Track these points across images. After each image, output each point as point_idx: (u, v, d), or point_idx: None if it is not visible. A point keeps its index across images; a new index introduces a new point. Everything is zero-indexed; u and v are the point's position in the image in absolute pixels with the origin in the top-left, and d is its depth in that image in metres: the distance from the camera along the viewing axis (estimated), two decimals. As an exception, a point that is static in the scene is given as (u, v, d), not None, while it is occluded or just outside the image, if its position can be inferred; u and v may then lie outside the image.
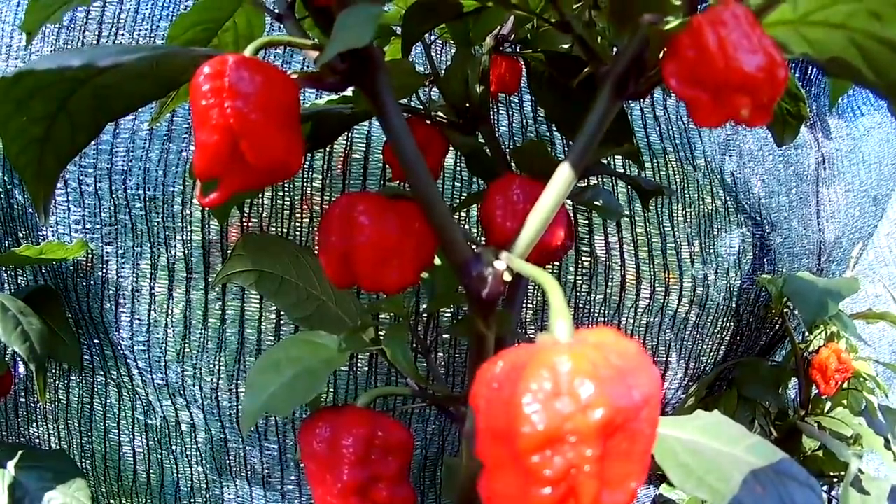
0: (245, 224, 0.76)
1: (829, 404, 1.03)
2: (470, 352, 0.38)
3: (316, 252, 0.75)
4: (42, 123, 0.36)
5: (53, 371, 0.83)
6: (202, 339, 0.76)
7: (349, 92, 0.52)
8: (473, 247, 0.34)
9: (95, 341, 0.80)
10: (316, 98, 0.71)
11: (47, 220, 0.51)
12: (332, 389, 0.76)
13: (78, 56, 0.30)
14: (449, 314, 0.79)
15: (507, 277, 0.32)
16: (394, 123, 0.33)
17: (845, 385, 1.00)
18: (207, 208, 0.74)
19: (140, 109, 0.44)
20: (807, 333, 1.01)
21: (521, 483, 0.23)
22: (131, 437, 0.83)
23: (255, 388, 0.41)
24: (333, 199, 0.75)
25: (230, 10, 0.53)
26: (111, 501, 0.85)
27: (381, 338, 0.45)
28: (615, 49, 0.43)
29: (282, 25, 0.40)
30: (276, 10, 0.40)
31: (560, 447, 0.22)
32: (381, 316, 0.72)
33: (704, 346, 0.95)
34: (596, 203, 0.52)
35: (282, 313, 0.76)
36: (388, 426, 0.40)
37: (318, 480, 0.40)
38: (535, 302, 0.82)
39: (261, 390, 0.41)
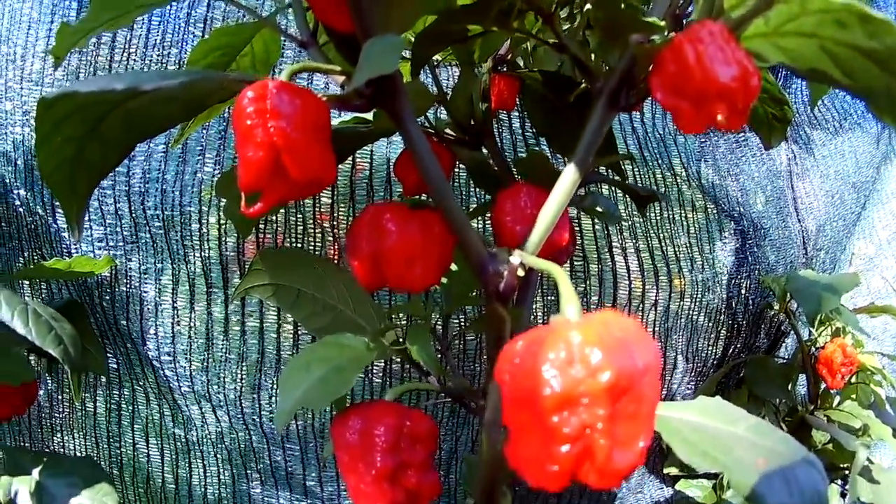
0: (261, 240, 0.79)
1: (837, 399, 1.06)
2: (488, 344, 0.42)
3: (334, 261, 0.79)
4: (75, 143, 0.37)
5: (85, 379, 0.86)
6: (225, 350, 0.79)
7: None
8: (488, 248, 0.38)
9: (122, 351, 0.83)
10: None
11: (80, 236, 0.54)
12: (348, 394, 0.80)
13: (120, 80, 0.33)
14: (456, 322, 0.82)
15: (521, 273, 0.36)
16: (416, 141, 0.37)
17: (853, 379, 1.02)
18: (225, 225, 0.78)
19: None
20: (813, 330, 1.04)
21: (543, 443, 0.27)
22: (159, 443, 0.86)
23: (287, 388, 0.43)
24: (341, 214, 0.80)
25: (248, 36, 0.55)
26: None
27: (404, 339, 0.49)
28: (605, 64, 0.47)
29: (304, 52, 0.44)
30: (300, 37, 0.44)
31: (576, 408, 0.26)
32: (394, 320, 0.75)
33: (700, 343, 0.98)
34: (597, 209, 0.56)
35: (300, 323, 0.79)
36: (416, 416, 0.43)
37: (350, 470, 0.43)
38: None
39: (294, 389, 0.43)
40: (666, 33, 0.38)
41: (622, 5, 0.41)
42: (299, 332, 0.80)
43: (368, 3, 0.36)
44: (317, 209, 0.79)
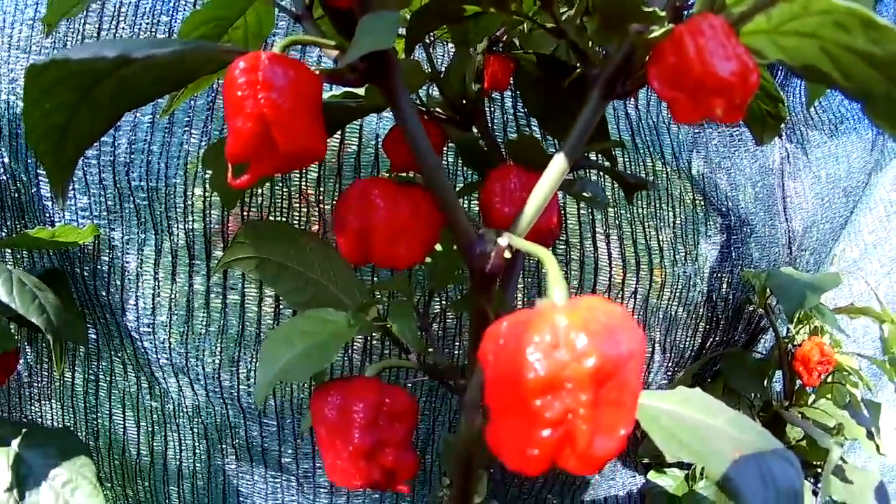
0: (245, 214, 0.79)
1: (812, 397, 1.06)
2: (472, 324, 0.42)
3: (318, 236, 0.78)
4: (64, 111, 0.37)
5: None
6: (205, 323, 0.79)
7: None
8: (476, 228, 0.38)
9: (101, 321, 0.82)
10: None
11: (65, 203, 0.53)
12: (328, 369, 0.79)
13: (112, 47, 0.32)
14: (437, 301, 0.82)
15: (508, 255, 0.36)
16: (408, 118, 0.37)
17: (829, 379, 1.03)
18: (210, 198, 0.77)
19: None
20: (791, 328, 1.04)
21: (524, 426, 0.27)
22: (135, 415, 0.85)
23: (268, 360, 0.43)
24: (328, 190, 0.79)
25: (242, 9, 0.54)
26: (115, 479, 0.88)
27: (385, 316, 0.49)
28: (602, 51, 0.47)
29: (299, 25, 0.44)
30: (294, 10, 0.44)
31: (559, 392, 0.26)
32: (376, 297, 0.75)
33: (679, 333, 0.99)
34: (584, 194, 0.56)
35: (281, 298, 0.79)
36: (395, 393, 0.44)
37: (328, 446, 0.43)
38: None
39: (274, 362, 0.43)
40: (666, 24, 0.38)
41: None
42: (280, 307, 0.80)
43: (367, -22, 0.36)
44: (303, 184, 0.79)
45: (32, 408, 0.90)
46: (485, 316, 0.40)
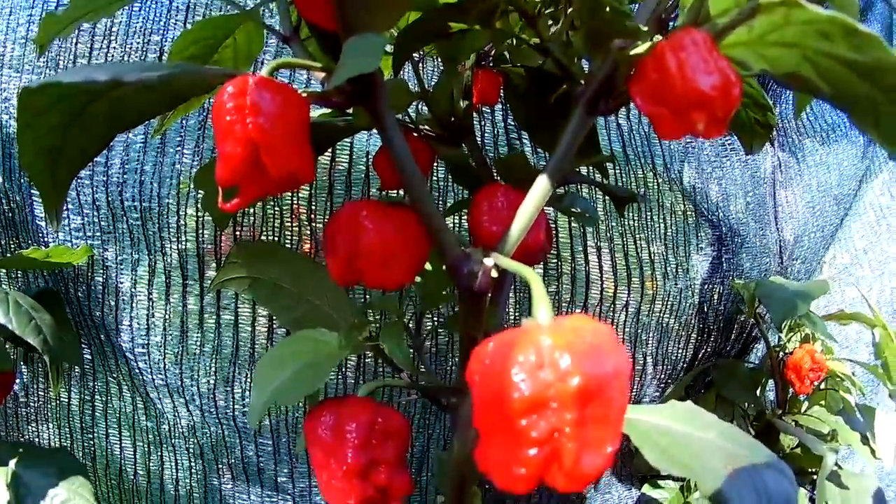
0: (238, 233, 0.79)
1: (805, 404, 1.06)
2: (461, 342, 0.42)
3: (309, 256, 0.79)
4: (57, 133, 0.37)
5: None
6: (199, 343, 0.79)
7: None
8: (463, 248, 0.38)
9: (96, 342, 0.82)
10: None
11: (59, 225, 0.54)
12: (321, 388, 0.80)
13: (103, 71, 0.32)
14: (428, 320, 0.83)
15: (494, 274, 0.36)
16: (393, 139, 0.37)
17: (822, 386, 1.03)
18: (203, 217, 0.77)
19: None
20: (783, 336, 1.05)
21: (512, 446, 0.27)
22: (132, 435, 0.85)
23: (261, 383, 0.43)
24: (319, 208, 0.80)
25: (231, 29, 0.55)
26: (112, 498, 0.88)
27: (378, 335, 0.49)
28: (585, 62, 0.48)
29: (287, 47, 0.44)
30: (282, 32, 0.44)
31: (544, 411, 0.26)
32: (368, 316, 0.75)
33: (671, 345, 0.99)
34: (574, 209, 0.56)
35: (274, 317, 0.79)
36: (387, 413, 0.44)
37: (322, 465, 0.43)
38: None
39: (267, 384, 0.43)
40: (650, 39, 0.38)
41: (607, 8, 0.41)
42: (274, 326, 0.80)
43: (352, 1, 0.36)
44: (295, 202, 0.79)
45: (29, 428, 0.90)
46: (474, 334, 0.40)
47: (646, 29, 0.39)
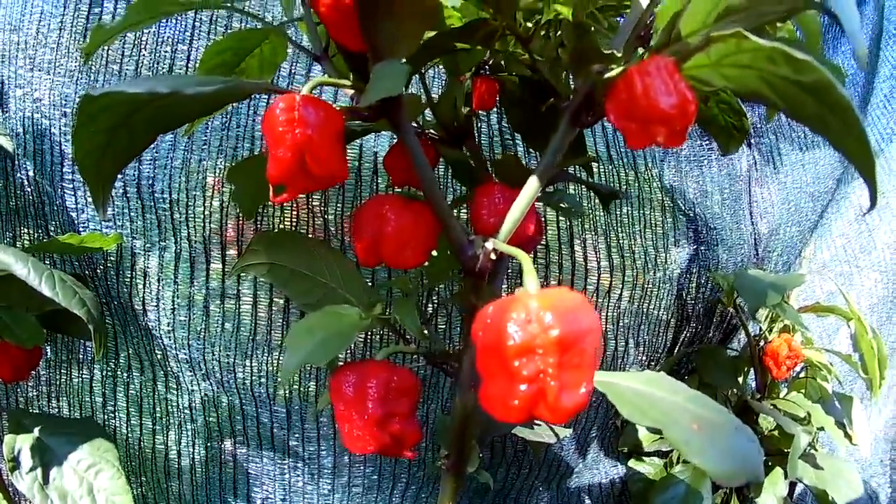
0: (258, 224, 0.86)
1: (785, 391, 1.12)
2: (464, 313, 0.50)
3: (324, 241, 0.86)
4: (106, 134, 0.42)
5: (81, 348, 0.93)
6: (220, 321, 0.87)
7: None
8: (468, 235, 0.47)
9: (119, 321, 0.89)
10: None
11: (105, 215, 0.59)
12: (337, 358, 0.86)
13: (165, 83, 0.39)
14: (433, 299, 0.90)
15: (493, 256, 0.45)
16: (412, 146, 0.46)
17: (802, 374, 1.09)
18: (230, 206, 0.85)
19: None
20: (763, 327, 1.09)
21: (507, 383, 0.35)
22: (152, 410, 0.93)
23: (294, 347, 0.50)
24: (330, 200, 0.87)
25: (258, 42, 0.61)
26: (131, 466, 0.95)
27: (390, 310, 0.57)
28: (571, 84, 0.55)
29: (318, 64, 0.52)
30: (314, 52, 0.52)
31: (532, 356, 0.34)
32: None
33: (651, 329, 1.06)
34: (562, 205, 0.64)
35: (290, 300, 0.86)
36: (402, 373, 0.52)
37: (345, 418, 0.51)
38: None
39: (299, 348, 0.50)
40: (624, 63, 0.46)
41: (592, 29, 0.48)
42: (290, 308, 0.87)
43: (378, 27, 0.44)
44: (310, 198, 0.86)
45: (50, 405, 0.96)
46: (476, 306, 0.48)
47: (620, 55, 0.47)
